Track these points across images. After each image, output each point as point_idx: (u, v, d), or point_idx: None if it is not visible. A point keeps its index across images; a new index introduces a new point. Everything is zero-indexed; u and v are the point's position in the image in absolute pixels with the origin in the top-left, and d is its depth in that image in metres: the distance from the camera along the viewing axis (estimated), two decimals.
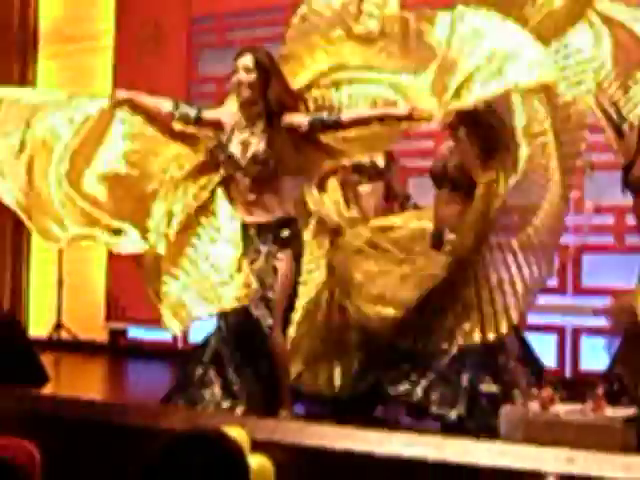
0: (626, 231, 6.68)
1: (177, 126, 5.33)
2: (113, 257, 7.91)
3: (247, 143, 5.15)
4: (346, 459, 4.24)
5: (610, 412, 4.56)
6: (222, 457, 2.25)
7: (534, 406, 4.65)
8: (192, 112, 5.29)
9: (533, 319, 7.16)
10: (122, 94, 5.45)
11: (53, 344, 8.34)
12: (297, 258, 5.19)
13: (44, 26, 9.77)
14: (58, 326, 8.60)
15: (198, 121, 5.28)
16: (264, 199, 5.17)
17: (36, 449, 4.53)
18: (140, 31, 9.02)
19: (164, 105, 5.36)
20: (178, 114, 5.28)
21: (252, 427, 4.42)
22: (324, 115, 5.16)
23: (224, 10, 8.71)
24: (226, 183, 5.32)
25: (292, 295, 5.20)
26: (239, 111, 5.23)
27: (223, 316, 5.17)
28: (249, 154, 5.12)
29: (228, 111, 5.33)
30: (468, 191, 5.28)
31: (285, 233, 5.16)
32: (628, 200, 5.26)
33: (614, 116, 5.29)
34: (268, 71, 5.13)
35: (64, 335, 8.63)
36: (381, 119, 5.09)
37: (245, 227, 5.21)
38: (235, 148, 5.16)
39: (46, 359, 6.21)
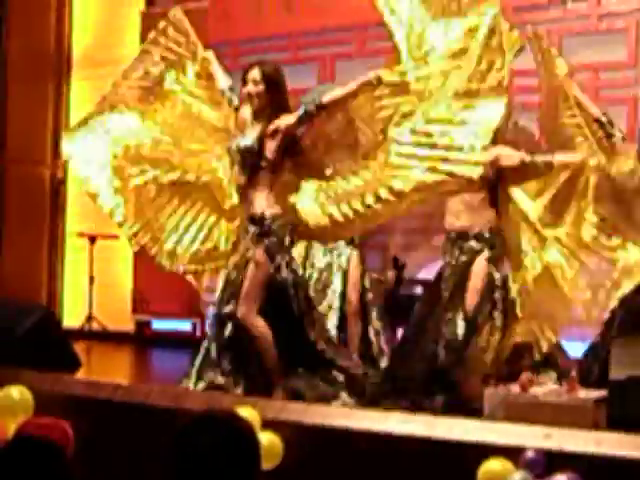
0: None
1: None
2: (138, 257, 7.89)
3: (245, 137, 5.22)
4: (346, 436, 4.23)
5: (582, 394, 4.56)
6: (235, 434, 2.25)
7: (514, 388, 4.64)
8: (235, 101, 5.43)
9: None
10: (209, 54, 5.85)
11: (85, 334, 8.34)
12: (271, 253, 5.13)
13: (77, 51, 9.81)
14: (89, 318, 8.60)
15: (237, 109, 5.41)
16: (251, 193, 5.16)
17: (69, 427, 4.54)
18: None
19: (223, 80, 5.59)
20: (228, 94, 5.47)
21: (262, 407, 4.41)
22: (305, 107, 5.17)
23: (238, 37, 8.70)
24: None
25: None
26: (251, 116, 5.28)
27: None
28: (240, 146, 5.17)
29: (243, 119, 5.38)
30: None
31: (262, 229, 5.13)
32: None
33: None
34: (275, 83, 5.16)
35: (95, 326, 8.62)
36: (356, 93, 5.13)
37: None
38: (236, 141, 5.23)
39: (78, 347, 6.21)
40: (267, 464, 3.86)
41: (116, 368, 6.43)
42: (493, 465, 3.75)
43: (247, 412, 4.15)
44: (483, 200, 5.29)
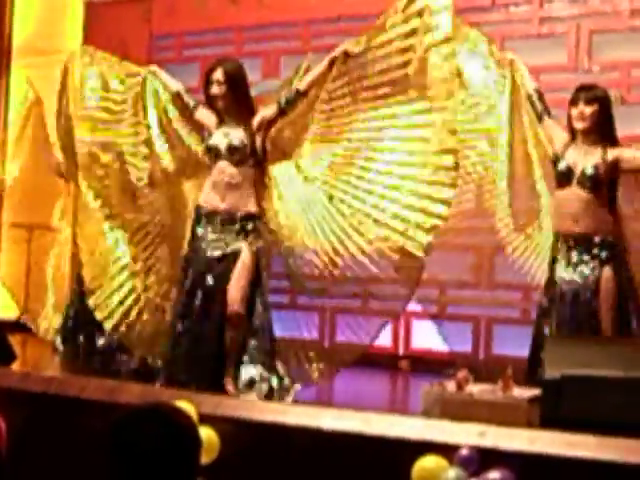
0: None
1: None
2: (75, 252, 7.81)
3: (227, 134, 5.22)
4: (282, 431, 4.23)
5: (517, 392, 4.60)
6: (176, 428, 2.23)
7: (450, 386, 4.67)
8: (192, 102, 5.51)
9: (452, 310, 7.25)
10: (153, 68, 5.90)
11: (20, 326, 8.22)
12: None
13: (18, 40, 9.67)
14: (25, 310, 8.48)
15: (194, 109, 5.47)
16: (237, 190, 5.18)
17: (2, 421, 4.47)
18: (106, 47, 8.89)
19: (175, 84, 5.69)
20: (185, 97, 5.56)
21: (199, 402, 4.40)
22: (284, 95, 5.19)
23: (182, 30, 8.66)
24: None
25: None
26: (218, 117, 5.30)
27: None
28: (228, 143, 5.18)
29: (208, 116, 5.39)
30: None
31: (249, 226, 5.15)
32: None
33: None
34: (238, 82, 5.16)
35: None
36: (328, 69, 5.18)
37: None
38: (217, 140, 5.21)
39: (14, 340, 6.11)
40: (203, 459, 3.84)
41: (51, 361, 6.35)
42: (428, 462, 3.78)
43: (183, 406, 4.14)
44: (603, 204, 5.07)
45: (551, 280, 5.16)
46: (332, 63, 5.17)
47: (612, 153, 5.02)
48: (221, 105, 5.25)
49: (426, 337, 7.23)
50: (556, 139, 5.17)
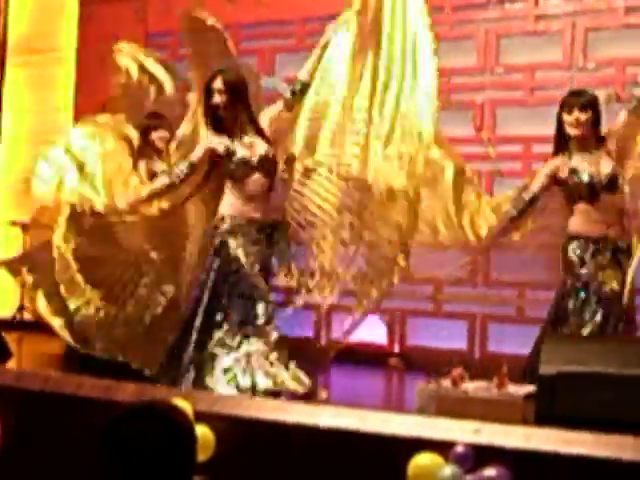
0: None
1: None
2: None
3: (253, 145, 5.21)
4: (278, 429, 4.23)
5: (512, 389, 4.61)
6: (172, 426, 2.23)
7: (446, 383, 4.68)
8: (184, 166, 5.26)
9: (448, 307, 7.27)
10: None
11: (16, 324, 8.22)
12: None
13: (12, 38, 9.66)
14: (21, 308, 8.47)
15: (193, 167, 5.27)
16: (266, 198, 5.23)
17: None
18: (100, 45, 8.91)
19: (161, 181, 5.36)
20: (176, 178, 5.28)
21: (194, 399, 4.40)
22: (289, 89, 5.28)
23: (176, 28, 8.64)
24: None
25: None
26: (226, 124, 5.24)
27: None
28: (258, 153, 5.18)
29: (210, 138, 5.30)
30: None
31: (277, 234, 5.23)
32: None
33: None
34: (237, 89, 5.16)
35: (26, 316, 8.49)
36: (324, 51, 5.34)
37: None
38: (243, 152, 5.18)
39: (10, 337, 6.11)
40: (200, 456, 3.84)
41: (48, 359, 6.35)
42: (423, 459, 3.79)
43: (179, 404, 4.14)
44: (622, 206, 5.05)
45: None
46: (325, 47, 5.21)
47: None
48: (223, 114, 5.23)
49: (421, 334, 7.25)
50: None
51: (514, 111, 7.12)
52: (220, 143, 5.21)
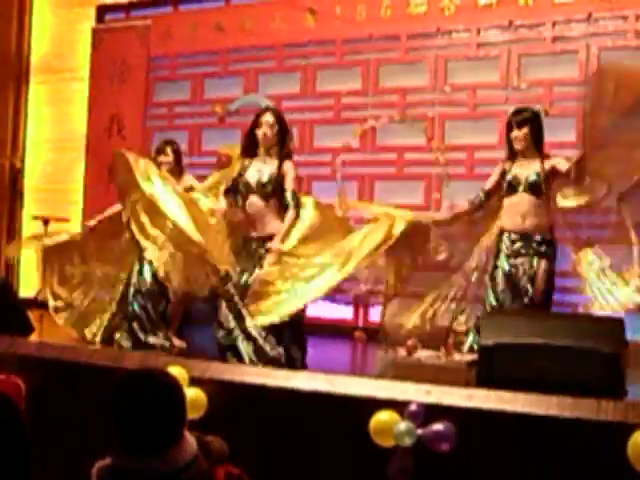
0: None
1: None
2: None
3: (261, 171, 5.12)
4: (261, 391, 4.22)
5: (457, 357, 4.62)
6: (163, 388, 2.24)
7: (402, 352, 4.69)
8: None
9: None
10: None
11: (38, 303, 8.14)
12: None
13: (35, 59, 9.59)
14: (42, 289, 8.41)
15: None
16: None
17: (22, 382, 4.44)
18: (110, 66, 8.87)
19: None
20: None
21: (190, 366, 4.38)
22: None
23: (175, 52, 8.61)
24: None
25: None
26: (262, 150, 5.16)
27: None
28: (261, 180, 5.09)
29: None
30: None
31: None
32: None
33: None
34: (283, 125, 5.14)
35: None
36: None
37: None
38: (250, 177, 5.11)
39: (32, 314, 6.06)
40: (193, 414, 3.83)
41: (64, 333, 6.29)
42: (382, 416, 3.79)
43: (176, 370, 4.12)
44: (544, 205, 5.05)
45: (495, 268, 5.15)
46: None
47: (548, 163, 5.05)
48: (269, 144, 5.12)
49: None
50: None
51: (459, 124, 7.13)
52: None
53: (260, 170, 5.11)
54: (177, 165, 5.87)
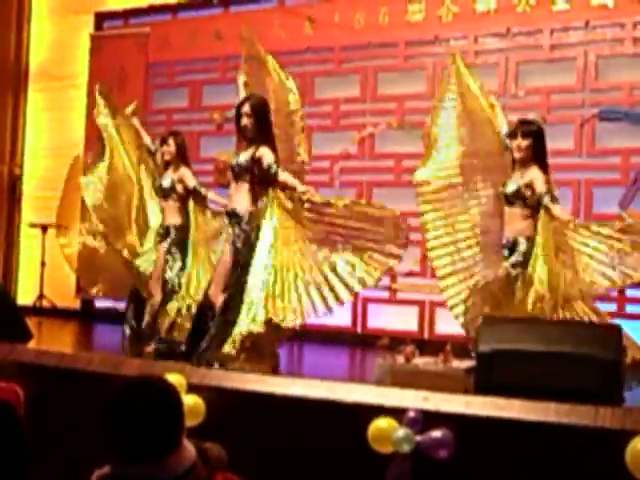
0: None
1: None
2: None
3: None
4: (258, 398, 4.23)
5: (455, 364, 4.62)
6: (161, 395, 2.24)
7: (400, 359, 4.69)
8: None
9: (401, 296, 7.28)
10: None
11: (36, 310, 8.17)
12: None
13: (33, 66, 9.60)
14: (41, 296, 8.42)
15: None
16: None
17: (21, 389, 4.44)
18: (109, 72, 8.88)
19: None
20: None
21: (188, 373, 4.39)
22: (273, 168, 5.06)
23: (173, 59, 8.63)
24: None
25: None
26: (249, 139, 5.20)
27: None
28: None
29: None
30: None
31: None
32: None
33: None
34: (262, 114, 5.13)
35: (45, 303, 8.45)
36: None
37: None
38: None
39: (31, 321, 6.06)
40: (192, 421, 3.83)
41: (63, 339, 6.32)
42: (381, 423, 3.80)
43: (175, 377, 4.13)
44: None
45: None
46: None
47: (528, 176, 5.03)
48: (247, 133, 5.17)
49: (379, 318, 7.26)
50: None
51: None
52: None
53: (240, 155, 5.20)
54: (178, 156, 5.93)
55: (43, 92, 9.48)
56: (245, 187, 5.14)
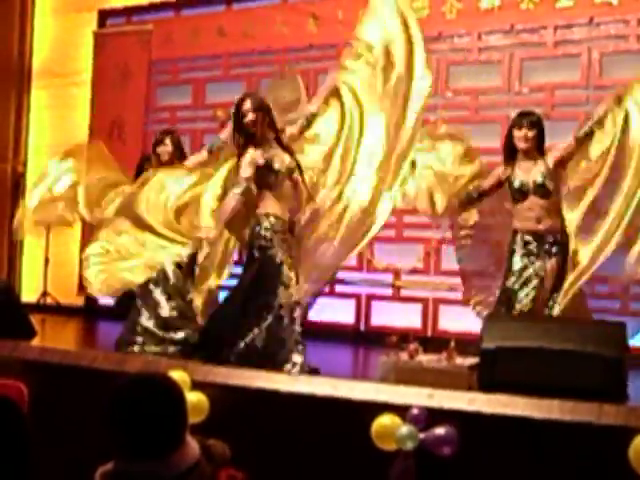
0: None
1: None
2: (85, 242, 7.76)
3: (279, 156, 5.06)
4: (262, 395, 4.23)
5: (459, 361, 4.63)
6: (164, 392, 2.24)
7: (404, 356, 4.69)
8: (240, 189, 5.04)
9: (405, 293, 7.29)
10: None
11: (40, 307, 8.18)
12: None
13: (36, 64, 9.60)
14: (44, 294, 8.44)
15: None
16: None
17: (24, 386, 4.45)
18: (112, 70, 8.89)
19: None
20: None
21: (192, 370, 4.39)
22: (304, 116, 5.16)
23: (177, 56, 8.63)
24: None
25: None
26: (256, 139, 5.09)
27: None
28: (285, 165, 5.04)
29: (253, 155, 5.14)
30: None
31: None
32: None
33: None
34: (264, 108, 5.07)
35: (49, 301, 8.46)
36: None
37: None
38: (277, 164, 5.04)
39: (35, 318, 6.08)
40: (195, 418, 3.84)
41: (67, 337, 6.32)
42: (384, 420, 3.80)
43: (178, 374, 4.13)
44: (554, 206, 5.04)
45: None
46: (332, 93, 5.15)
47: (549, 159, 5.04)
48: (253, 130, 5.06)
49: (383, 315, 7.27)
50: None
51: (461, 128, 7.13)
52: (261, 156, 5.07)
53: (279, 156, 5.06)
54: (176, 152, 5.85)
55: (46, 90, 9.48)
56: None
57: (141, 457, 2.20)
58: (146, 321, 5.50)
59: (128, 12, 9.03)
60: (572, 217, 5.04)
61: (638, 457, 3.38)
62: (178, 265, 5.59)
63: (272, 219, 4.95)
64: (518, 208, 5.08)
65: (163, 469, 2.19)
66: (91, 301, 8.73)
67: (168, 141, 5.86)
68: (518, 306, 4.92)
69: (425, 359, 4.67)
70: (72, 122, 9.16)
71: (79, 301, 8.74)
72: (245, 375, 4.46)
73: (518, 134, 5.06)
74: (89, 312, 8.62)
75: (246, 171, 4.99)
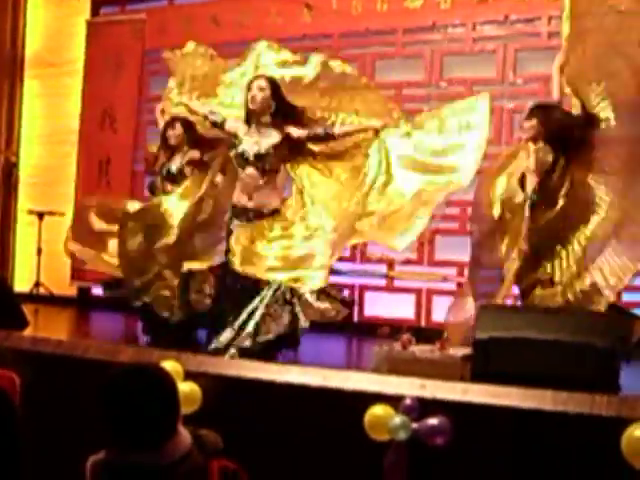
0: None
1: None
2: None
3: (258, 143, 5.04)
4: (255, 385, 4.23)
5: (452, 351, 4.63)
6: (156, 382, 2.25)
7: (397, 346, 4.70)
8: (219, 118, 5.27)
9: (398, 284, 7.29)
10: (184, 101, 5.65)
11: (33, 298, 8.15)
12: None
13: (29, 53, 9.54)
14: (37, 284, 8.41)
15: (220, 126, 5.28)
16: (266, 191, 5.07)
17: (16, 376, 4.44)
18: (105, 59, 8.85)
19: (203, 109, 5.45)
20: (211, 117, 5.33)
21: (184, 360, 4.39)
22: (320, 130, 5.08)
23: (170, 45, 8.56)
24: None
25: None
26: (252, 121, 5.10)
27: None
28: (257, 151, 5.01)
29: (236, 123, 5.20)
30: None
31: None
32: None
33: None
34: (276, 89, 5.06)
35: (42, 291, 8.44)
36: (364, 130, 5.09)
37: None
38: (247, 147, 5.03)
39: (27, 309, 6.06)
40: (188, 409, 3.84)
41: (59, 327, 6.31)
42: (377, 410, 3.80)
43: (171, 364, 4.13)
44: None
45: None
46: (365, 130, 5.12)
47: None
48: (264, 109, 5.05)
49: (376, 306, 7.26)
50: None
51: None
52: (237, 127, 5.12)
53: (257, 142, 5.05)
54: (187, 136, 5.85)
55: (39, 79, 9.44)
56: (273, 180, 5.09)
57: (133, 447, 2.20)
58: None
59: (121, 1, 8.98)
60: None
61: (631, 447, 3.39)
62: None
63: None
64: None
65: (155, 459, 2.20)
66: (84, 291, 8.73)
67: (178, 125, 5.86)
68: None
69: (418, 349, 4.67)
70: (65, 111, 9.12)
71: (72, 291, 8.73)
72: (237, 365, 4.46)
73: (526, 125, 5.13)
74: (82, 302, 8.61)
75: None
